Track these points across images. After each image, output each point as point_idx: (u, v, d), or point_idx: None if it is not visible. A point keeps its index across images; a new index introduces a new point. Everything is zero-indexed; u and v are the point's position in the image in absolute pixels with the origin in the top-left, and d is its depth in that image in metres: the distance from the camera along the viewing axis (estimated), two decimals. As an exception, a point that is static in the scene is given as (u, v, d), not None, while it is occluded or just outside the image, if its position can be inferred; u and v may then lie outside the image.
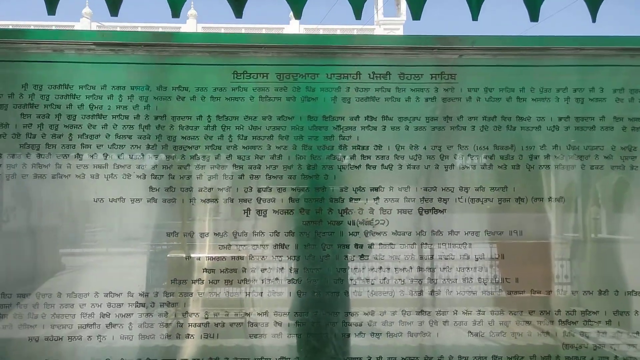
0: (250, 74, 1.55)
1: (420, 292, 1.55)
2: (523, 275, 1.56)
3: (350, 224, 1.54)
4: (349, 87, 1.56)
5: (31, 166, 1.51)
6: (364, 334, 1.53)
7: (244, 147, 1.53)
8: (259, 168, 1.53)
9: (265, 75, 1.55)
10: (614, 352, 1.53)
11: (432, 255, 1.54)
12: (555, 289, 1.56)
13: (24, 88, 1.52)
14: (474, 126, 1.56)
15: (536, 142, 1.56)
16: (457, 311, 1.54)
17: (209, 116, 1.53)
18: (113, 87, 1.53)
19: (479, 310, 1.53)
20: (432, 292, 1.54)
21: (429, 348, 1.53)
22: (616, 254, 1.62)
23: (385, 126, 1.55)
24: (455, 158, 1.55)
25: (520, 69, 1.57)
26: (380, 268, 1.53)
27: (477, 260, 1.55)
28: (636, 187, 1.58)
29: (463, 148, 1.55)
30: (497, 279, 1.55)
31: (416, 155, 1.55)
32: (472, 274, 1.54)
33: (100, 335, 1.49)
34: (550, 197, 1.56)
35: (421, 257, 1.55)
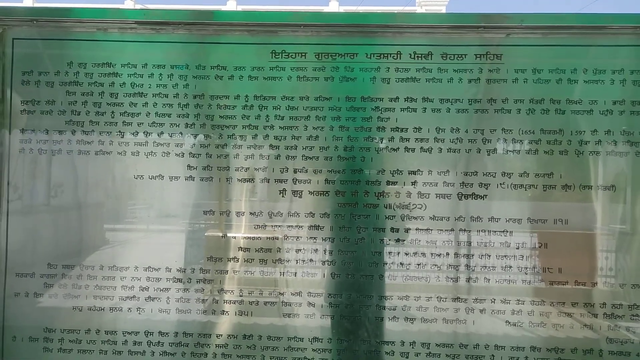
0: (289, 53, 1.53)
1: (457, 279, 1.51)
2: (566, 266, 1.49)
3: (386, 208, 1.51)
4: (388, 68, 1.52)
5: (76, 142, 1.55)
6: (398, 318, 1.52)
7: (280, 127, 1.52)
8: (295, 149, 1.52)
9: (303, 54, 1.53)
10: (662, 349, 1.46)
11: (471, 242, 1.50)
12: (600, 281, 1.49)
13: (69, 66, 1.56)
14: (520, 109, 1.49)
15: (587, 127, 1.47)
16: (494, 300, 1.50)
17: (246, 96, 1.53)
18: (154, 66, 1.55)
19: (518, 300, 1.48)
20: (469, 280, 1.50)
21: (464, 336, 1.50)
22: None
23: (425, 108, 1.51)
24: (498, 142, 1.49)
25: (572, 49, 1.49)
26: (416, 253, 1.50)
27: (517, 248, 1.49)
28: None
29: (507, 132, 1.49)
30: (538, 269, 1.50)
31: (457, 139, 1.50)
32: (512, 262, 1.49)
33: (139, 308, 1.54)
34: (600, 185, 1.48)
35: (459, 244, 1.51)
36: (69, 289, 1.54)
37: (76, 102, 1.56)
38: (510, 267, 1.50)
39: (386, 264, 1.52)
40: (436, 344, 1.50)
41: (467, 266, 1.50)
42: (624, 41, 1.47)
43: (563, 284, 1.49)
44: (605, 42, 1.47)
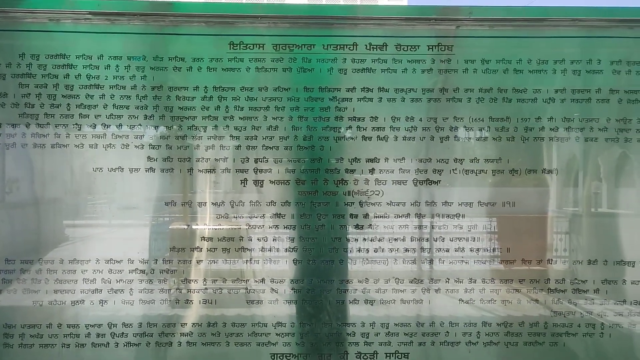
0: (247, 44, 1.55)
1: (414, 261, 1.58)
2: (514, 246, 1.59)
3: (345, 195, 1.56)
4: (345, 59, 1.56)
5: (30, 136, 1.53)
6: (358, 301, 1.58)
7: (240, 118, 1.54)
8: (256, 139, 1.54)
9: (261, 46, 1.55)
10: (601, 319, 1.58)
11: (426, 226, 1.57)
12: (545, 259, 1.60)
13: (21, 58, 1.53)
14: (470, 98, 1.56)
15: (531, 115, 1.56)
16: (449, 280, 1.58)
17: (205, 87, 1.54)
18: (110, 57, 1.53)
19: (470, 279, 1.57)
20: (424, 262, 1.58)
21: (421, 315, 1.58)
22: (613, 227, 1.65)
23: (381, 98, 1.56)
24: (450, 130, 1.56)
25: (517, 40, 1.57)
26: (375, 238, 1.56)
27: (469, 230, 1.58)
28: (630, 160, 1.59)
29: (458, 120, 1.56)
30: (488, 249, 1.58)
31: (412, 127, 1.56)
32: (465, 244, 1.58)
33: (102, 300, 1.54)
34: (544, 169, 1.58)
35: (415, 227, 1.57)
36: (28, 284, 1.52)
37: (29, 94, 1.53)
38: (463, 248, 1.58)
39: (346, 249, 1.57)
40: (395, 324, 1.57)
41: (423, 249, 1.57)
42: (564, 33, 1.56)
43: (511, 263, 1.58)
44: (547, 33, 1.56)
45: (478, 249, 1.58)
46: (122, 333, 1.55)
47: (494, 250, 1.59)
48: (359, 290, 1.57)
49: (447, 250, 1.58)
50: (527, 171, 1.57)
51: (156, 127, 1.55)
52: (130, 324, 1.54)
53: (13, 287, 1.53)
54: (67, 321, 1.53)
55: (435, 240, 1.58)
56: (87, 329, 1.54)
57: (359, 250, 1.56)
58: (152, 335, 1.55)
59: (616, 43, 1.57)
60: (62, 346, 1.54)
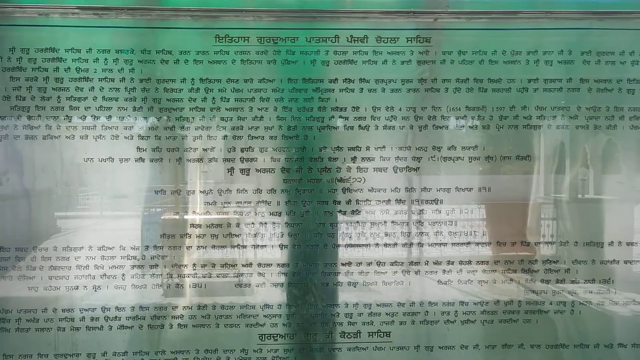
0: (232, 37, 1.60)
1: (395, 245, 1.66)
2: (489, 229, 1.67)
3: (328, 182, 1.63)
4: (327, 51, 1.61)
5: (22, 127, 1.57)
6: (342, 283, 1.65)
7: (226, 109, 1.60)
8: (242, 129, 1.60)
9: (246, 39, 1.60)
10: (571, 296, 1.67)
11: (406, 211, 1.65)
12: (518, 241, 1.68)
13: (11, 51, 1.56)
14: (447, 88, 1.63)
15: (506, 104, 1.63)
16: (427, 262, 1.66)
17: (192, 79, 1.59)
18: (98, 50, 1.58)
19: (448, 261, 1.65)
20: (404, 245, 1.65)
21: (402, 296, 1.66)
22: (595, 212, 1.74)
23: (362, 88, 1.62)
24: (428, 119, 1.63)
25: (492, 32, 1.63)
26: (357, 223, 1.64)
27: (447, 214, 1.65)
28: (597, 146, 1.68)
29: (436, 109, 1.63)
30: (465, 232, 1.66)
31: (391, 117, 1.62)
32: (443, 228, 1.65)
33: (95, 286, 1.60)
34: (518, 156, 1.65)
35: (395, 213, 1.65)
36: (24, 271, 1.58)
37: (20, 87, 1.57)
38: (441, 232, 1.66)
39: (330, 234, 1.64)
40: (377, 304, 1.65)
41: (403, 233, 1.65)
42: (537, 25, 1.63)
43: (487, 245, 1.67)
44: (520, 25, 1.63)
45: (455, 232, 1.65)
46: (116, 317, 1.61)
47: (470, 233, 1.66)
48: (342, 273, 1.64)
49: (427, 234, 1.65)
50: (502, 158, 1.65)
51: (145, 119, 1.60)
52: (124, 308, 1.61)
53: (9, 274, 1.58)
54: (61, 306, 1.59)
55: (415, 225, 1.65)
56: (82, 312, 1.60)
57: (342, 235, 1.64)
58: (144, 319, 1.62)
59: (586, 34, 1.64)
60: (58, 330, 1.60)
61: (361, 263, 1.65)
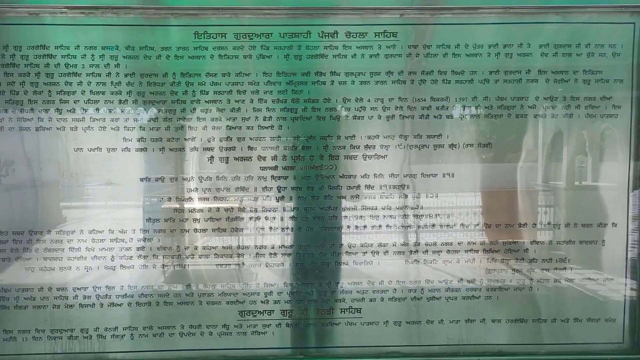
0: (210, 34, 1.70)
1: (363, 227, 1.77)
2: (454, 212, 1.78)
3: (302, 169, 1.74)
4: (300, 46, 1.72)
5: (16, 120, 1.69)
6: (315, 263, 1.77)
7: (206, 101, 1.71)
8: (220, 120, 1.71)
9: (223, 35, 1.71)
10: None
11: (374, 196, 1.76)
12: (484, 222, 1.79)
13: (5, 49, 1.68)
14: (413, 80, 1.73)
15: (469, 94, 1.74)
16: (395, 244, 1.78)
17: (173, 73, 1.70)
18: (86, 47, 1.69)
19: (415, 243, 1.77)
20: (373, 227, 1.77)
21: (371, 275, 1.79)
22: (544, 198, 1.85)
23: (333, 81, 1.72)
24: (395, 109, 1.74)
25: (455, 27, 1.73)
26: (328, 207, 1.75)
27: (413, 199, 1.77)
28: (553, 134, 1.78)
29: (403, 100, 1.74)
30: (430, 215, 1.78)
31: (361, 107, 1.73)
32: (409, 212, 1.77)
33: (87, 267, 1.73)
34: (479, 144, 1.76)
35: (365, 197, 1.76)
36: (20, 253, 1.71)
37: (14, 82, 1.68)
38: (408, 215, 1.77)
39: (304, 218, 1.76)
40: (348, 283, 1.78)
41: (372, 216, 1.76)
42: (497, 20, 1.72)
43: (451, 227, 1.78)
44: (482, 20, 1.72)
45: (421, 215, 1.77)
46: (106, 295, 1.75)
47: (434, 216, 1.78)
48: (316, 254, 1.77)
49: (395, 217, 1.77)
50: (465, 145, 1.76)
51: (129, 111, 1.72)
52: (113, 287, 1.74)
53: (6, 256, 1.72)
54: (56, 285, 1.73)
55: (383, 209, 1.76)
56: (75, 291, 1.74)
57: (313, 219, 1.75)
58: (132, 296, 1.75)
59: (544, 28, 1.73)
60: (53, 307, 1.74)
61: (333, 244, 1.77)
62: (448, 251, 1.78)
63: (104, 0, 1.69)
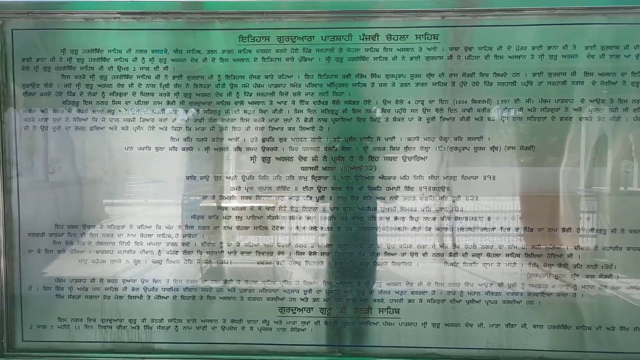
0: (254, 37, 1.76)
1: (399, 229, 1.78)
2: (494, 215, 1.77)
3: (341, 170, 1.77)
4: (341, 48, 1.75)
5: (72, 120, 1.79)
6: (355, 263, 1.80)
7: (249, 102, 1.76)
8: (263, 121, 1.76)
9: (267, 38, 1.75)
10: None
11: (414, 197, 1.77)
12: (520, 226, 1.77)
13: (62, 53, 1.78)
14: (454, 82, 1.73)
15: (511, 97, 1.72)
16: (435, 245, 1.78)
17: (219, 75, 1.76)
18: (137, 50, 1.77)
19: (454, 245, 1.77)
20: (413, 229, 1.78)
21: (410, 276, 1.79)
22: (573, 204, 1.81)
23: (373, 83, 1.74)
24: (436, 111, 1.74)
25: (498, 28, 1.72)
26: (368, 208, 1.77)
27: (453, 201, 1.77)
28: (602, 137, 1.74)
29: (443, 102, 1.74)
30: (472, 218, 1.77)
31: (401, 109, 1.74)
32: (449, 214, 1.77)
33: (135, 260, 1.82)
34: (521, 146, 1.74)
35: (404, 199, 1.77)
36: (75, 246, 1.82)
37: (70, 84, 1.79)
38: (449, 218, 1.77)
39: (343, 218, 1.78)
40: (387, 283, 1.79)
41: (412, 217, 1.77)
42: (539, 21, 1.70)
43: (492, 230, 1.77)
44: (524, 22, 1.70)
45: (462, 218, 1.76)
46: (153, 287, 1.83)
47: (475, 218, 1.77)
48: (355, 254, 1.79)
49: (434, 219, 1.77)
50: (507, 148, 1.74)
51: (177, 112, 1.79)
52: (160, 280, 1.82)
53: (62, 247, 1.82)
54: (107, 276, 1.82)
55: (423, 210, 1.77)
56: (124, 283, 1.83)
57: (353, 219, 1.78)
58: (177, 290, 1.82)
59: (589, 29, 1.70)
60: (104, 297, 1.83)
61: (372, 244, 1.79)
62: (488, 254, 1.77)
63: (154, 5, 1.77)
